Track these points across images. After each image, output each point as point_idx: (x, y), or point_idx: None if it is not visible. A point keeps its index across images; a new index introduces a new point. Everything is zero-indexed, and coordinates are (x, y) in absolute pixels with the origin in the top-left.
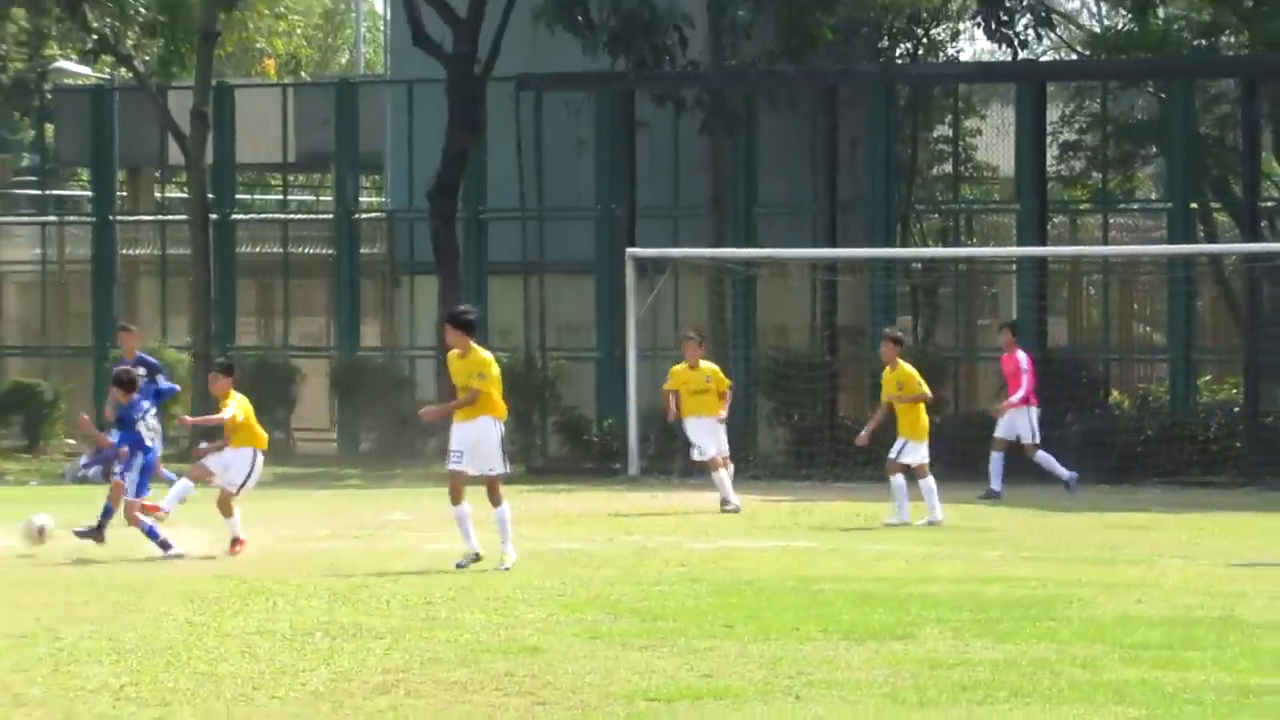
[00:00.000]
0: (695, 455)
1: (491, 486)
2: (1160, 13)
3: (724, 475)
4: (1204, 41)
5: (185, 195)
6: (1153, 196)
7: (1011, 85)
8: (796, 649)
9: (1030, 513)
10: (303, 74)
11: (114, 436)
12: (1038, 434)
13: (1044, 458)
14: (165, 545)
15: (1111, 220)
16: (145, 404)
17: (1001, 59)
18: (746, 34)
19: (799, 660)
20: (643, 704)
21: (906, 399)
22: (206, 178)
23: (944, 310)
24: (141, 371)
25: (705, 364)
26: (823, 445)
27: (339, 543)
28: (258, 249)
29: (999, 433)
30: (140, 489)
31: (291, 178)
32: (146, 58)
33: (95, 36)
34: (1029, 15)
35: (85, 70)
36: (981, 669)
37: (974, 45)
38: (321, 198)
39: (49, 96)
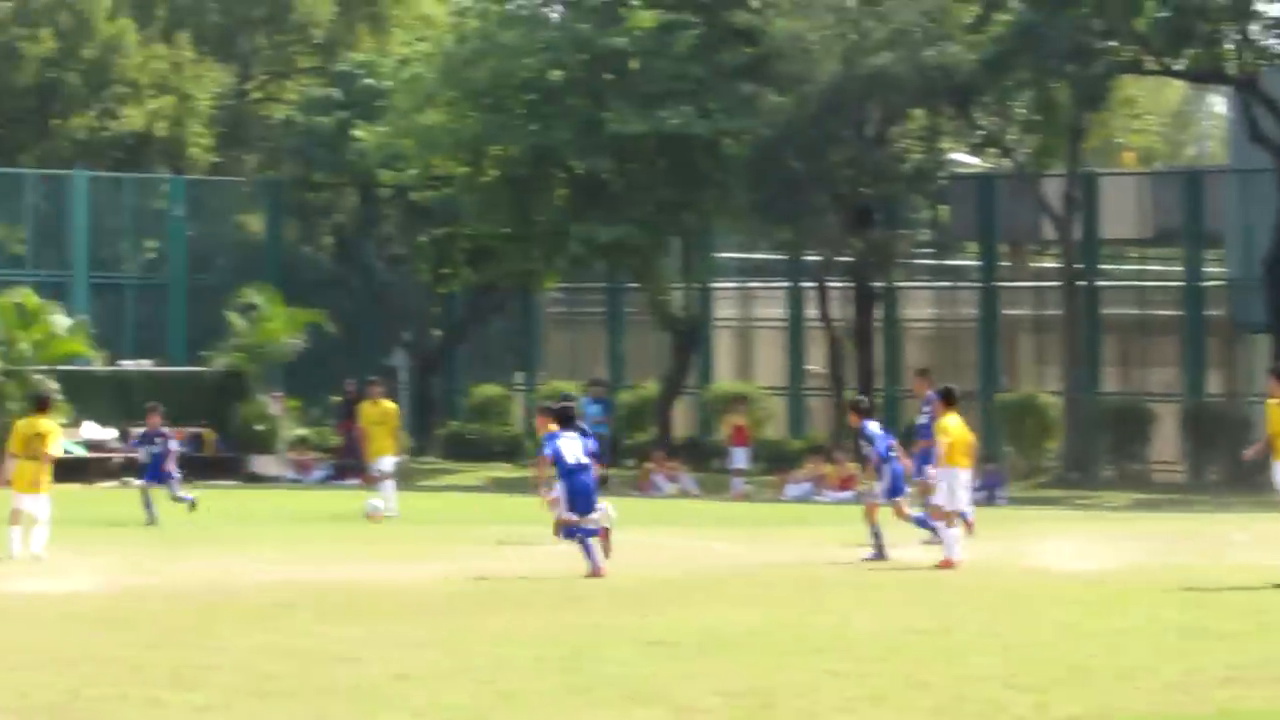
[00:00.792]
0: None
1: None
2: None
3: None
4: None
5: (1057, 265)
6: None
7: None
8: None
9: None
10: (1156, 164)
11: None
12: None
13: None
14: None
15: None
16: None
17: None
18: None
19: None
20: None
21: None
22: (1075, 250)
23: None
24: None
25: None
26: None
27: (1189, 558)
28: (1118, 310)
29: None
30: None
31: (1147, 250)
32: (1025, 150)
33: (982, 132)
34: None
35: (974, 160)
36: None
37: None
38: (1172, 267)
39: (943, 182)
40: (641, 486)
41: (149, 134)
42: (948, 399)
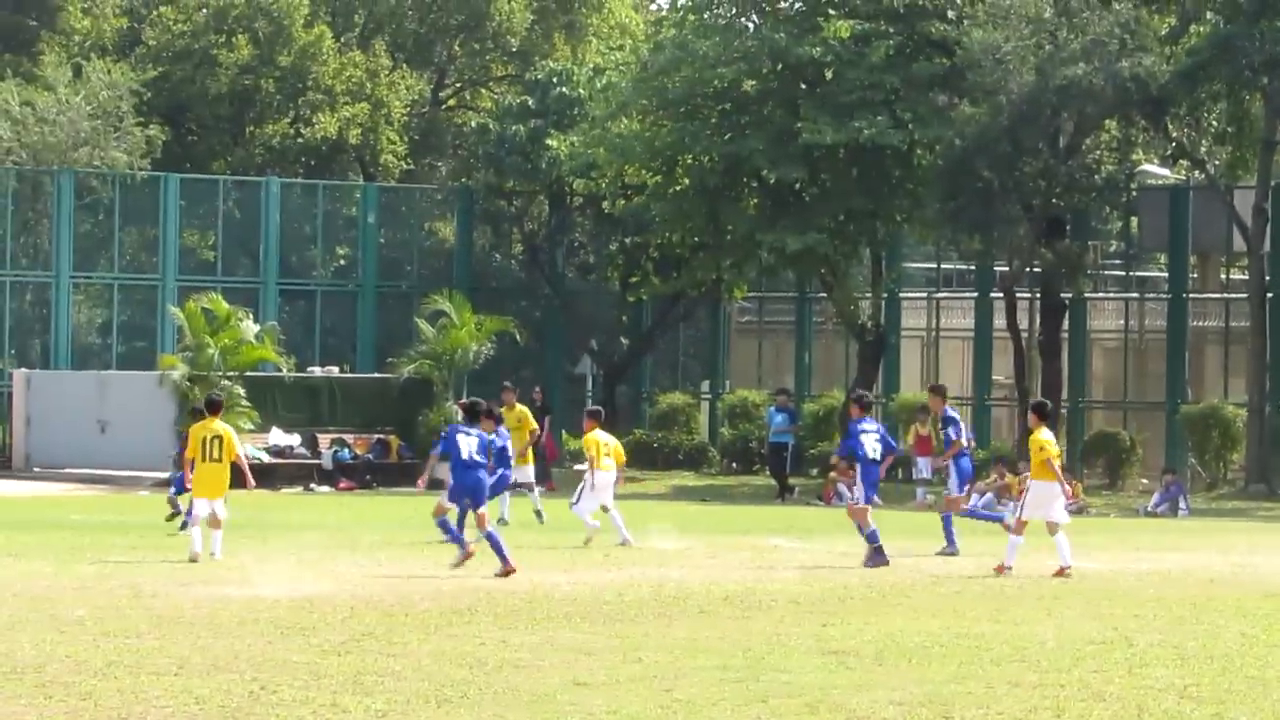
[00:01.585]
0: None
1: None
2: None
3: None
4: None
5: (1245, 277)
6: None
7: None
8: None
9: None
10: None
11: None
12: None
13: None
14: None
15: None
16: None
17: None
18: None
19: None
20: None
21: None
22: (1265, 263)
23: None
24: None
25: None
26: None
27: None
28: None
29: None
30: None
31: None
32: (1217, 162)
33: (1174, 144)
34: None
35: (1165, 172)
36: None
37: None
38: None
39: (1134, 194)
40: (825, 496)
41: (342, 141)
42: (1041, 413)
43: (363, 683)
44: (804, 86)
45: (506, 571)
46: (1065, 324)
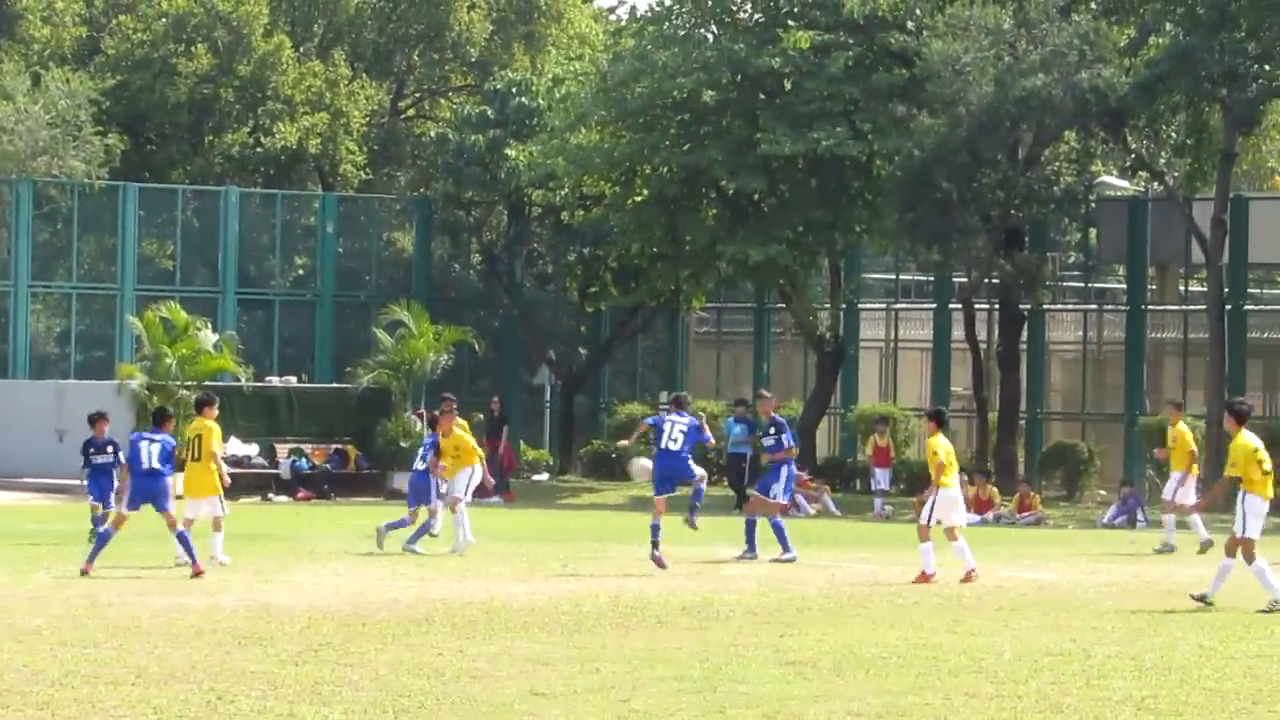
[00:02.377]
0: None
1: None
2: None
3: None
4: None
5: (1204, 289)
6: None
7: None
8: None
9: None
10: None
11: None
12: None
13: None
14: None
15: None
16: None
17: None
18: None
19: None
20: None
21: None
22: (1223, 275)
23: None
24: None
25: None
26: None
27: None
28: (1264, 335)
29: None
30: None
31: None
32: (1175, 173)
33: (1133, 155)
34: None
35: (1123, 183)
36: None
37: None
38: None
39: (1093, 205)
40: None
41: (301, 150)
42: (938, 420)
43: (320, 693)
44: (763, 97)
45: (197, 572)
46: (1024, 335)
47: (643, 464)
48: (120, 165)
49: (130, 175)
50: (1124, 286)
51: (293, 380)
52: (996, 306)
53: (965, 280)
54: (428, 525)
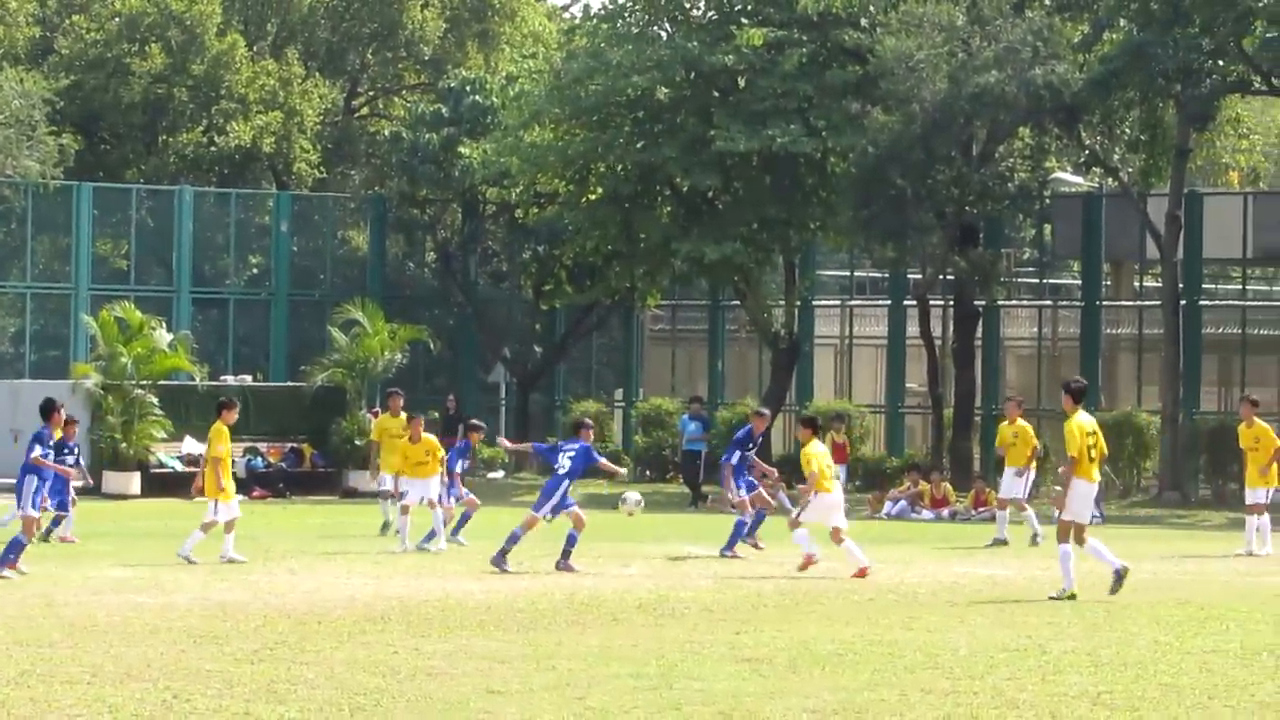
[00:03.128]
0: None
1: None
2: None
3: None
4: None
5: (1159, 285)
6: None
7: None
8: None
9: None
10: (1260, 184)
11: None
12: None
13: None
14: None
15: None
16: None
17: None
18: None
19: None
20: None
21: None
22: (1178, 270)
23: None
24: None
25: None
26: None
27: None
28: (1219, 330)
29: None
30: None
31: (1249, 271)
32: (1130, 169)
33: (1087, 151)
34: None
35: (1078, 180)
36: None
37: None
38: (1275, 288)
39: (1048, 201)
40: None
41: (255, 149)
42: (813, 427)
43: (276, 691)
44: (717, 95)
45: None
46: (979, 331)
47: (634, 497)
48: (74, 165)
49: (84, 175)
50: (1079, 282)
51: (248, 379)
52: (951, 303)
53: (920, 277)
54: (466, 516)
